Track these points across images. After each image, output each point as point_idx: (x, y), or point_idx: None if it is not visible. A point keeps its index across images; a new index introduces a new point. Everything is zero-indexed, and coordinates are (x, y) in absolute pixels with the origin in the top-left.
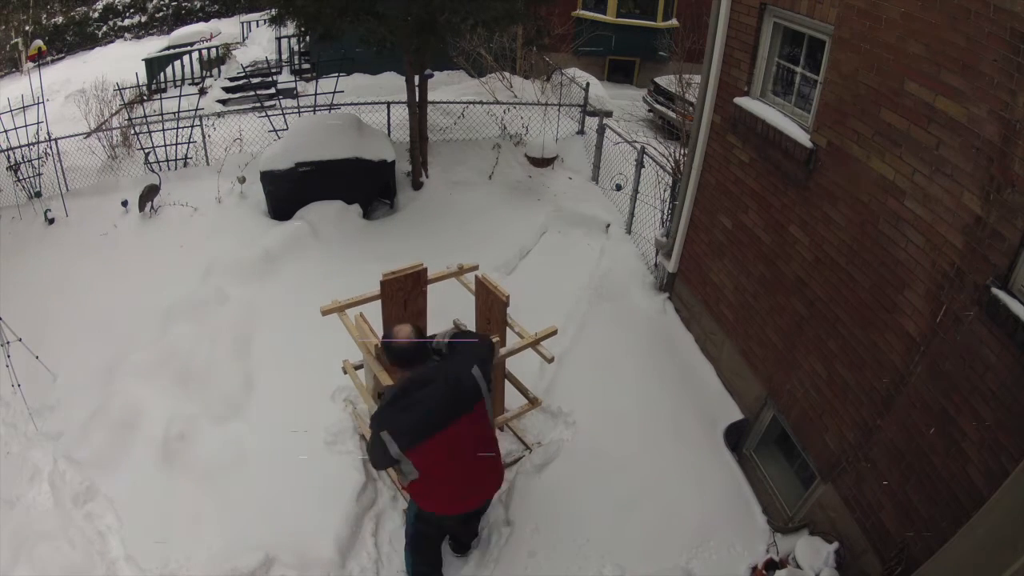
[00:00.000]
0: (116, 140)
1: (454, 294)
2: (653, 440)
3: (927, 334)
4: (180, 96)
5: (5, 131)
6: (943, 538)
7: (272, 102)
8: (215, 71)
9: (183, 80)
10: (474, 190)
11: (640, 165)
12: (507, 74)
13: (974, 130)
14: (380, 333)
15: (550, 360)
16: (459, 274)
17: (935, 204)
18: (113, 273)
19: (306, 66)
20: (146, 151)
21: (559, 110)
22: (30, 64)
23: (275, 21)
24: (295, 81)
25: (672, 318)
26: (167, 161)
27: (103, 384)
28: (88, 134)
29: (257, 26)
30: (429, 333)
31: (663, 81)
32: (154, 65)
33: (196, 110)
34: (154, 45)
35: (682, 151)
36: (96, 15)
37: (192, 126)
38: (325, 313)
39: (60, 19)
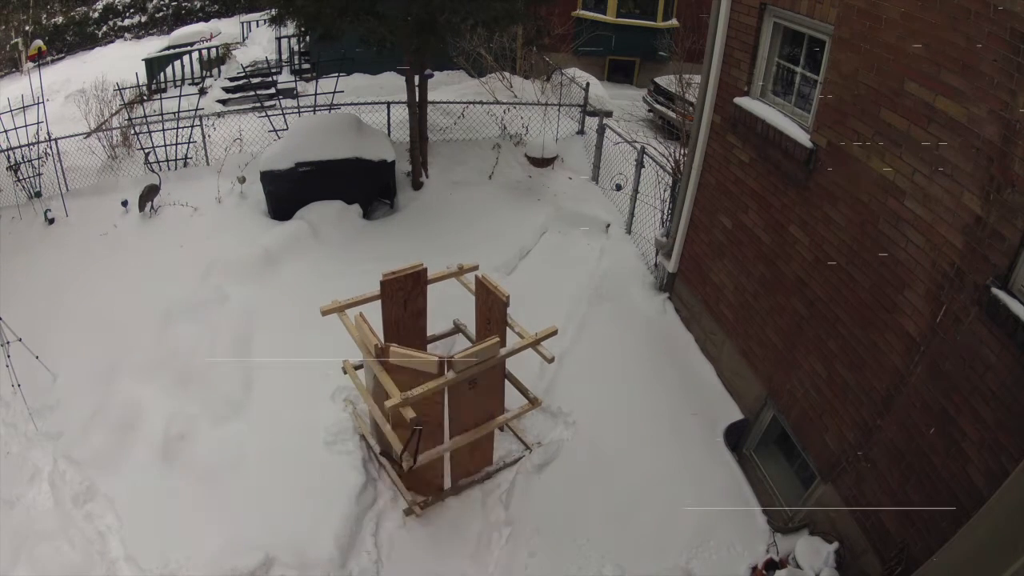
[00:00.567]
0: (116, 140)
1: (454, 294)
2: (653, 440)
3: (927, 334)
4: (180, 96)
5: (5, 131)
6: (943, 538)
7: (272, 102)
8: (215, 71)
9: (183, 80)
10: (474, 190)
11: (640, 165)
12: (507, 74)
13: (974, 130)
14: (380, 333)
15: (550, 360)
16: (459, 274)
17: (935, 204)
18: (113, 273)
19: (306, 66)
20: (146, 151)
21: (559, 110)
22: (30, 64)
23: (275, 21)
24: (295, 81)
25: (672, 318)
26: (167, 161)
27: (103, 384)
28: (88, 134)
29: (257, 26)
30: (429, 333)
31: (663, 81)
32: (154, 65)
33: (196, 110)
34: (154, 45)
35: (682, 151)
36: (96, 15)
37: (192, 126)
38: (325, 313)
39: (60, 19)
